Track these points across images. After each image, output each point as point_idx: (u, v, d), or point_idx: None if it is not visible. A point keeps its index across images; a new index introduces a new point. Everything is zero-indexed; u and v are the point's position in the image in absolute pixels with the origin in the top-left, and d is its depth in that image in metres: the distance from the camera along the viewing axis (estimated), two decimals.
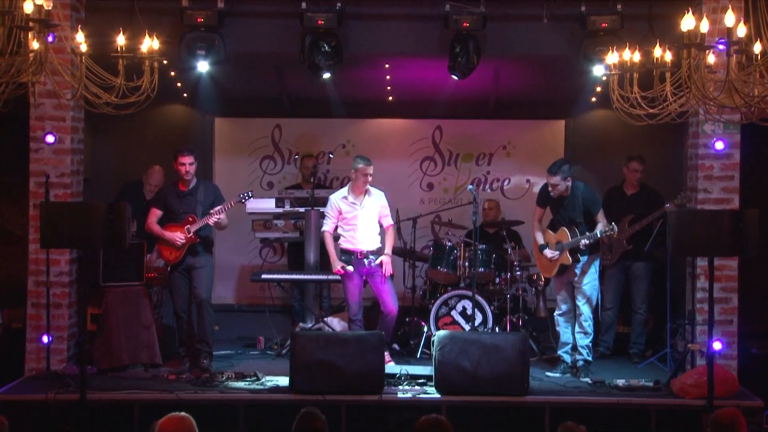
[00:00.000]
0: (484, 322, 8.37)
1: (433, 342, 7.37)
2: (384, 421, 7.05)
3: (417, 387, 7.26)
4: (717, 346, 7.12)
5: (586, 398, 7.16)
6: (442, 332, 7.46)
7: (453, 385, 7.11)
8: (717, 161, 7.76)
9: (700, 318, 7.71)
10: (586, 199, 7.70)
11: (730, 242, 6.37)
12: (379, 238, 8.18)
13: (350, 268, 7.99)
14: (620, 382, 7.36)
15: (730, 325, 7.75)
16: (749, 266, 8.04)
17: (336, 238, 8.21)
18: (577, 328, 7.79)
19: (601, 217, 7.68)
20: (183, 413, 4.13)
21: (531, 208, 9.83)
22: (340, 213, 8.08)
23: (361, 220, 8.06)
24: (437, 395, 7.12)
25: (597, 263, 7.82)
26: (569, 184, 7.67)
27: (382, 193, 8.21)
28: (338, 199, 8.12)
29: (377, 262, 8.04)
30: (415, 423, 4.48)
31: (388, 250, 8.14)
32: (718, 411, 4.79)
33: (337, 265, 8.02)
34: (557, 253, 7.72)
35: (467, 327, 8.26)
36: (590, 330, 7.77)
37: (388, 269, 8.06)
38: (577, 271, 7.71)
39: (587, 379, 7.52)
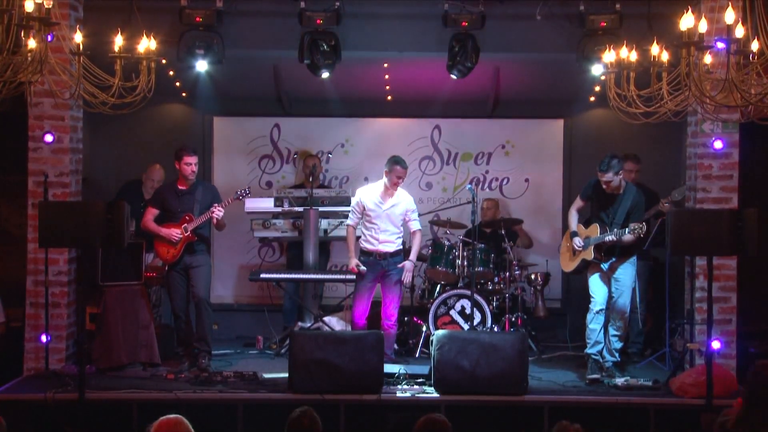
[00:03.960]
0: (483, 321, 8.38)
1: (431, 341, 7.36)
2: (383, 420, 7.04)
3: (416, 386, 7.26)
4: (716, 345, 7.12)
5: (585, 397, 7.16)
6: (440, 332, 7.46)
7: (452, 384, 7.11)
8: (716, 160, 7.76)
9: (699, 317, 7.70)
10: (636, 203, 7.58)
11: (729, 241, 6.37)
12: (399, 240, 8.14)
13: (364, 269, 7.97)
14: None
15: (728, 324, 7.75)
16: (748, 265, 8.03)
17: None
18: (612, 331, 7.70)
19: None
20: (177, 415, 4.12)
21: (529, 207, 9.96)
22: (364, 209, 8.06)
23: (383, 221, 8.03)
24: (436, 395, 7.12)
25: (634, 264, 7.72)
26: (621, 177, 7.58)
27: (410, 198, 8.18)
28: (365, 195, 8.09)
29: (399, 265, 8.03)
30: (414, 422, 4.48)
31: (412, 256, 8.12)
32: (726, 410, 4.76)
33: (353, 262, 8.00)
34: (582, 244, 7.69)
35: (466, 326, 8.26)
36: (622, 332, 7.71)
37: (407, 277, 8.07)
38: (611, 271, 7.63)
39: (621, 380, 7.40)
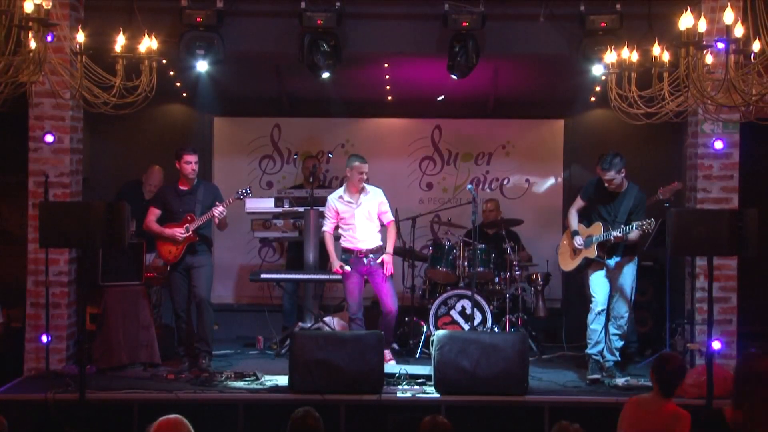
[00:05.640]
0: (484, 321, 8.37)
1: (432, 341, 7.36)
2: (383, 420, 7.04)
3: (416, 387, 7.26)
4: (716, 345, 7.11)
5: (585, 398, 7.16)
6: (441, 332, 7.46)
7: (452, 384, 7.11)
8: (716, 161, 7.76)
9: (700, 317, 7.71)
10: (638, 201, 7.57)
11: (729, 242, 6.35)
12: (379, 236, 8.14)
13: (348, 267, 7.98)
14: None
15: (729, 324, 7.76)
16: (748, 266, 8.03)
17: (337, 237, 8.21)
18: (612, 329, 7.69)
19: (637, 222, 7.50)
20: (178, 416, 4.12)
21: (530, 208, 9.97)
22: (338, 213, 8.07)
23: (358, 219, 8.03)
24: (436, 395, 7.12)
25: (636, 263, 7.72)
26: (623, 175, 7.55)
27: (379, 191, 8.16)
28: (335, 199, 8.11)
29: (378, 261, 8.02)
30: (414, 423, 4.48)
31: (389, 248, 8.11)
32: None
33: (336, 264, 8.02)
34: (582, 242, 7.69)
35: (466, 326, 8.26)
36: (623, 331, 7.71)
37: (389, 269, 8.03)
38: (613, 269, 7.62)
39: (621, 380, 7.42)
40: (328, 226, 8.14)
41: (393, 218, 8.24)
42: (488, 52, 8.07)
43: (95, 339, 7.93)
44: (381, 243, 8.12)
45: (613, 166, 7.45)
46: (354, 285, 8.04)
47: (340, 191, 8.14)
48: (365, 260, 8.01)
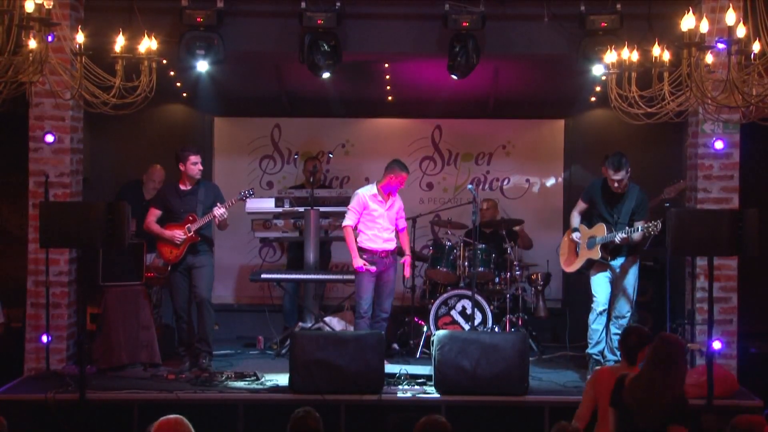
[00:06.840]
0: (484, 321, 8.37)
1: (432, 342, 7.37)
2: (383, 420, 7.03)
3: (416, 387, 7.26)
4: (716, 345, 7.11)
5: None
6: (441, 332, 7.46)
7: (452, 384, 7.11)
8: (716, 161, 7.76)
9: (700, 318, 7.70)
10: (640, 201, 7.60)
11: (729, 242, 6.35)
12: (395, 239, 8.21)
13: (373, 267, 7.97)
14: None
15: (729, 324, 7.75)
16: (749, 266, 8.02)
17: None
18: (613, 329, 7.68)
19: (641, 223, 7.53)
20: (178, 416, 4.11)
21: (530, 208, 9.97)
22: (366, 209, 8.05)
23: (384, 220, 8.07)
24: (437, 395, 7.13)
25: (638, 263, 7.72)
26: (629, 175, 7.57)
27: (398, 196, 8.27)
28: (368, 195, 8.08)
29: (401, 261, 8.10)
30: (414, 423, 4.48)
31: (408, 252, 8.25)
32: (739, 416, 4.76)
33: (359, 261, 7.99)
34: (579, 236, 7.69)
35: (467, 326, 8.26)
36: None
37: (408, 270, 8.20)
38: (617, 270, 7.64)
39: None
40: (351, 220, 8.07)
41: (406, 224, 8.36)
42: (488, 52, 8.07)
43: (95, 339, 7.93)
44: (396, 245, 8.19)
45: (624, 166, 7.48)
46: (370, 283, 8.03)
47: (373, 189, 8.12)
48: (386, 260, 8.02)
